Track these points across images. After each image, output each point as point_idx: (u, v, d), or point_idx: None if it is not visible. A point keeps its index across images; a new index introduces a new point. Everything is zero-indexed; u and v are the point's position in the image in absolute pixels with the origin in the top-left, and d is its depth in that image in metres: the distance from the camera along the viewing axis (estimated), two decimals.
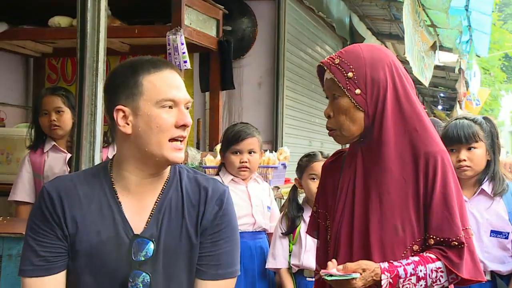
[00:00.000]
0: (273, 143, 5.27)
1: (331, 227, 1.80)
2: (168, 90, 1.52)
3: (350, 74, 1.71)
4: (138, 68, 1.53)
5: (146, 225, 1.56)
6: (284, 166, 3.95)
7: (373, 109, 1.71)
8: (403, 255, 1.68)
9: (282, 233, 2.95)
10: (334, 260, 1.66)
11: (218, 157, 3.55)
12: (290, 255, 2.92)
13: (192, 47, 4.06)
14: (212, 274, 1.59)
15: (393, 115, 1.71)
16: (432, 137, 1.73)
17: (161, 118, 1.51)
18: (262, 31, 5.36)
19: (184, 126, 1.53)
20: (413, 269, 1.64)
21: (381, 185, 1.70)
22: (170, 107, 1.52)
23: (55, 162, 3.09)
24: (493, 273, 2.46)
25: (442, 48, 8.41)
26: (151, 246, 1.53)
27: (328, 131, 1.81)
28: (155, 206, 1.58)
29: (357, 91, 1.70)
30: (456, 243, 1.66)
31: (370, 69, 1.71)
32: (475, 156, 2.49)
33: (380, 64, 1.73)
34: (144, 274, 1.52)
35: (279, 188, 3.82)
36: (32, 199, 3.12)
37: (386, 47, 9.88)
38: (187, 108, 1.57)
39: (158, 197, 1.59)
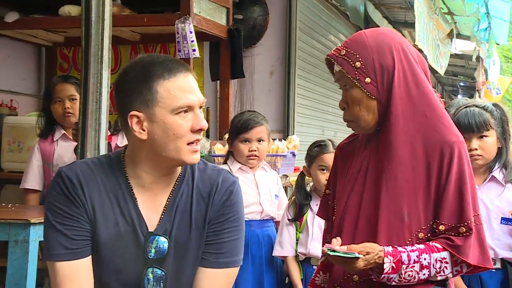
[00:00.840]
0: (285, 133, 5.27)
1: (337, 209, 1.81)
2: (183, 96, 1.51)
3: (357, 64, 1.69)
4: (152, 73, 1.51)
5: (159, 221, 1.57)
6: (294, 154, 3.94)
7: (385, 96, 1.70)
8: (408, 241, 1.67)
9: (289, 219, 2.95)
10: (338, 238, 1.66)
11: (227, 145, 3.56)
12: (297, 243, 2.93)
13: (202, 36, 4.06)
14: (212, 262, 1.61)
15: (401, 100, 1.68)
16: (445, 124, 1.70)
17: (178, 125, 1.51)
18: (274, 20, 5.34)
19: (200, 130, 1.54)
20: (417, 256, 1.63)
21: (390, 171, 1.69)
22: (186, 111, 1.53)
23: (65, 150, 3.13)
24: (503, 261, 2.45)
25: (459, 36, 8.31)
26: (165, 243, 1.55)
27: (346, 123, 1.80)
28: (167, 202, 1.59)
29: (367, 80, 1.69)
30: (464, 229, 1.65)
31: (377, 56, 1.69)
32: (487, 145, 2.46)
33: (387, 48, 1.71)
34: (159, 271, 1.55)
35: (287, 176, 3.82)
36: (41, 187, 3.16)
37: (403, 35, 9.79)
38: (201, 107, 1.57)
39: (170, 193, 1.60)
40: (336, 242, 1.64)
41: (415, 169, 1.68)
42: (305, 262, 2.95)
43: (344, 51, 1.72)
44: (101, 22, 2.58)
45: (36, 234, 2.39)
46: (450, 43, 7.67)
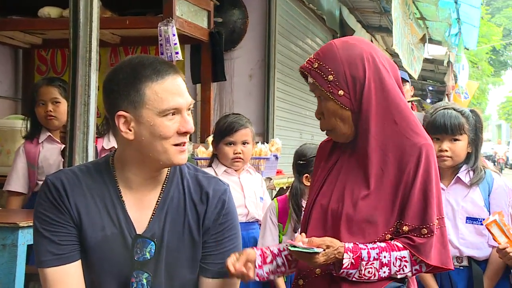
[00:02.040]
0: (264, 135, 5.29)
1: (306, 206, 1.85)
2: (171, 99, 1.51)
3: (330, 77, 1.72)
4: (140, 75, 1.51)
5: (148, 224, 1.58)
6: (276, 157, 3.96)
7: (358, 106, 1.73)
8: (375, 242, 1.70)
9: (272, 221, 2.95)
10: (303, 234, 1.69)
11: (210, 148, 3.56)
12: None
13: (183, 39, 4.06)
14: (217, 272, 1.62)
15: (371, 108, 1.72)
16: (414, 130, 1.74)
17: (164, 126, 1.51)
18: (253, 23, 5.37)
19: (186, 133, 1.55)
20: (377, 254, 1.66)
21: (360, 176, 1.73)
22: (173, 113, 1.53)
23: (50, 153, 3.10)
24: (470, 259, 2.52)
25: (431, 41, 8.46)
26: (153, 246, 1.55)
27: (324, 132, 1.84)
28: (157, 204, 1.59)
29: (340, 92, 1.72)
30: (426, 231, 1.68)
31: (348, 68, 1.72)
32: (457, 148, 2.53)
33: (358, 59, 1.73)
34: (146, 274, 1.54)
35: (271, 179, 3.84)
36: (25, 190, 3.13)
37: (376, 40, 9.94)
38: (189, 109, 1.57)
39: (160, 195, 1.60)
40: (300, 238, 1.66)
41: (386, 175, 1.71)
42: None
43: (317, 63, 1.75)
44: (89, 24, 2.56)
45: (25, 238, 2.36)
46: (423, 47, 7.81)
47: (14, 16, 4.19)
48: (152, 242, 1.55)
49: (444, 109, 2.58)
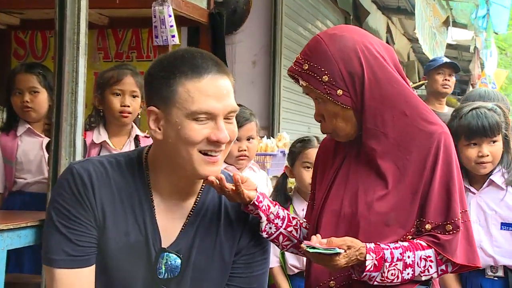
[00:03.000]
0: (269, 129, 5.30)
1: (314, 212, 1.85)
2: (204, 101, 1.48)
3: (325, 78, 1.72)
4: (175, 69, 1.50)
5: (176, 239, 1.57)
6: (284, 153, 3.97)
7: (360, 103, 1.73)
8: (394, 242, 1.71)
9: None
10: (318, 235, 1.69)
11: None
12: (282, 253, 2.95)
13: (180, 20, 4.05)
14: None
15: (376, 104, 1.73)
16: (425, 117, 1.75)
17: (191, 130, 1.48)
18: (257, 3, 5.35)
19: (217, 142, 1.50)
20: (400, 253, 1.67)
21: (371, 174, 1.75)
22: (207, 118, 1.50)
23: (30, 147, 3.09)
24: (506, 269, 2.53)
25: (455, 24, 8.46)
26: (178, 262, 1.55)
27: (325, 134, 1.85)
28: (188, 217, 1.59)
29: (339, 92, 1.72)
30: (451, 227, 1.71)
31: (343, 64, 1.72)
32: (497, 150, 2.54)
33: (351, 53, 1.73)
34: None
35: (278, 177, 3.84)
36: (1, 189, 3.12)
37: (393, 23, 9.93)
38: (231, 117, 1.54)
39: (193, 207, 1.60)
40: (316, 239, 1.67)
41: (402, 172, 1.73)
42: (297, 276, 2.96)
43: (307, 65, 1.74)
44: (77, 2, 2.57)
45: (4, 243, 2.37)
46: (446, 31, 7.80)
47: None
48: (178, 258, 1.55)
49: (473, 109, 2.57)
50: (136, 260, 1.54)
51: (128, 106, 2.89)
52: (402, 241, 1.71)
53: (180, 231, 1.58)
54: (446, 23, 7.68)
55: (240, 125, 3.01)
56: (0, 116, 3.19)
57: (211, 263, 1.59)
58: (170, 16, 3.69)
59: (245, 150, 3.02)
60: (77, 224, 1.51)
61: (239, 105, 3.22)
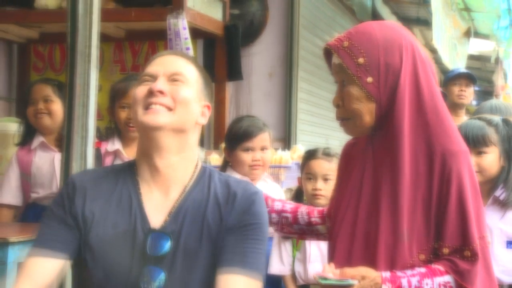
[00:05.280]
0: (286, 141, 5.28)
1: (330, 226, 1.82)
2: (149, 67, 1.72)
3: (361, 60, 1.68)
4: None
5: (165, 221, 1.64)
6: (299, 166, 3.95)
7: (386, 99, 1.69)
8: (409, 264, 1.66)
9: (282, 237, 2.96)
10: (332, 264, 1.67)
11: None
12: (294, 261, 2.95)
13: (195, 33, 4.08)
14: (236, 268, 1.61)
15: (410, 106, 1.68)
16: (448, 134, 1.70)
17: (135, 91, 1.70)
18: (274, 15, 5.37)
19: (150, 93, 1.66)
20: (418, 281, 1.62)
21: (390, 186, 1.68)
22: (149, 81, 1.69)
23: (43, 161, 3.10)
24: None
25: (477, 34, 8.37)
26: (168, 242, 1.60)
27: (339, 121, 1.79)
28: (175, 204, 1.66)
29: (369, 79, 1.68)
30: (470, 253, 1.65)
31: (384, 53, 1.68)
32: (484, 162, 2.51)
33: (396, 46, 1.69)
34: (159, 270, 1.59)
35: (292, 190, 3.82)
36: (19, 202, 3.14)
37: (413, 33, 9.87)
38: (174, 80, 1.69)
39: (182, 194, 1.67)
40: (329, 269, 1.64)
41: (416, 182, 1.68)
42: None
43: (347, 42, 1.70)
44: (88, 16, 2.58)
45: (15, 255, 2.38)
46: (467, 42, 7.73)
47: (8, 7, 4.26)
48: (168, 238, 1.60)
49: (471, 118, 2.59)
50: (126, 246, 1.61)
51: None
52: (419, 261, 1.66)
53: (168, 215, 1.65)
54: (467, 33, 7.62)
55: (253, 135, 3.03)
56: (19, 130, 3.21)
57: (200, 246, 1.63)
58: (184, 28, 3.72)
59: (259, 160, 3.03)
60: (52, 219, 1.67)
61: (251, 116, 3.25)
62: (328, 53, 1.78)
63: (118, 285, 1.61)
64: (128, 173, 1.71)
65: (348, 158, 1.86)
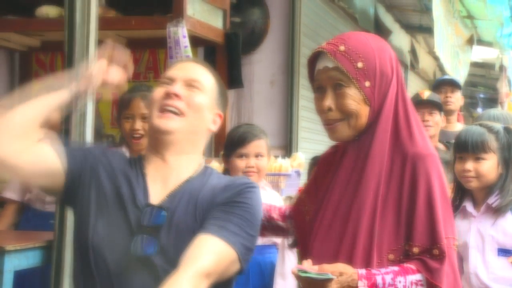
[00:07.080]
0: (287, 149, 5.28)
1: (304, 227, 1.87)
2: (169, 70, 1.80)
3: (360, 64, 1.72)
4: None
5: (162, 200, 1.72)
6: (298, 173, 3.95)
7: (378, 104, 1.75)
8: (377, 264, 1.71)
9: (289, 245, 2.96)
10: (309, 260, 1.70)
11: None
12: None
13: (196, 41, 4.09)
14: (212, 229, 1.62)
15: (389, 113, 1.76)
16: (417, 139, 1.76)
17: (155, 92, 1.77)
18: (275, 23, 5.38)
19: (166, 95, 1.72)
20: (392, 279, 1.67)
21: (361, 187, 1.74)
22: (168, 84, 1.76)
23: None
24: None
25: (480, 42, 8.38)
26: (163, 216, 1.67)
27: (328, 125, 1.80)
28: (176, 188, 1.74)
29: (367, 83, 1.73)
30: (438, 252, 1.70)
31: (379, 61, 1.75)
32: (482, 168, 2.53)
33: (387, 56, 1.78)
34: (152, 239, 1.65)
35: (292, 198, 3.82)
36: (20, 197, 3.23)
37: (417, 41, 9.88)
38: (190, 85, 1.75)
39: (182, 183, 1.75)
40: (308, 264, 1.67)
41: (389, 184, 1.74)
42: None
43: (343, 47, 1.73)
44: (86, 25, 2.61)
45: (12, 264, 2.38)
46: (470, 50, 7.73)
47: (10, 16, 4.28)
48: (163, 211, 1.67)
49: (472, 125, 2.62)
50: (122, 211, 1.69)
51: (138, 130, 2.93)
52: (387, 260, 1.71)
53: (166, 196, 1.72)
54: (470, 41, 7.63)
55: (247, 141, 3.02)
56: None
57: (192, 225, 1.66)
58: (184, 37, 3.73)
59: (252, 167, 3.01)
60: (86, 149, 1.81)
61: (250, 124, 3.24)
62: (315, 57, 1.81)
63: (112, 251, 1.66)
64: (138, 161, 1.80)
65: (326, 164, 1.90)
